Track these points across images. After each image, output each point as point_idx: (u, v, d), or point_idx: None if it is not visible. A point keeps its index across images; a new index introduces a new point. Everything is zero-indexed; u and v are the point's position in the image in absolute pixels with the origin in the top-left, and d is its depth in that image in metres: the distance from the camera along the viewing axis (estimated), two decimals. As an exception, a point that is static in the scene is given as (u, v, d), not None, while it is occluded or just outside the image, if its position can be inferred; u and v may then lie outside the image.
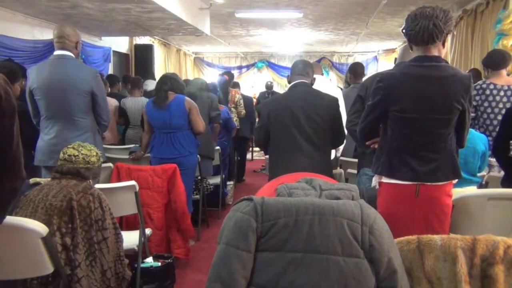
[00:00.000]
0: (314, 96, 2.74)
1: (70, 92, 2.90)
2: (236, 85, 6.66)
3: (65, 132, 2.92)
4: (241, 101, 5.94)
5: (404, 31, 1.91)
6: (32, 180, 2.23)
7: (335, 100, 2.76)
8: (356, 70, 4.36)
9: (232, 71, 10.87)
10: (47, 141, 2.93)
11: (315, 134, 2.66)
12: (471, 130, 2.67)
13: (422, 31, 1.82)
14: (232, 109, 5.74)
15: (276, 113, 2.73)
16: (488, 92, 3.35)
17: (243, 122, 6.13)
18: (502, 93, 3.33)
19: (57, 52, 2.95)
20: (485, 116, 3.36)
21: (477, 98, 3.38)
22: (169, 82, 3.60)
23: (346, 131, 2.92)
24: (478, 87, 3.40)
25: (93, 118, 3.06)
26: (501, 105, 3.31)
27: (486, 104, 3.35)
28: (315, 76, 3.46)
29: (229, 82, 6.06)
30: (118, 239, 2.16)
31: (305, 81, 2.78)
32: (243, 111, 5.96)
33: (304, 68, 2.82)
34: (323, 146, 2.72)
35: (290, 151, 2.67)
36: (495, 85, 3.35)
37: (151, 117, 3.60)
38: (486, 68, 3.53)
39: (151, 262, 2.75)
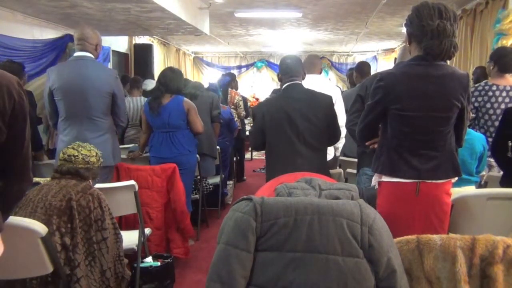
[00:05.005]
0: (309, 96, 2.72)
1: (91, 93, 2.90)
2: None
3: (86, 133, 2.91)
4: (241, 103, 5.95)
5: (424, 46, 1.83)
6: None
7: (329, 98, 2.75)
8: (362, 69, 4.36)
9: (232, 71, 10.84)
10: (68, 142, 2.85)
11: (312, 135, 2.65)
12: (470, 131, 2.66)
13: (444, 52, 1.82)
14: (232, 110, 5.75)
15: (271, 115, 2.70)
16: (490, 93, 3.27)
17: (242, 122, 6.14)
18: (504, 93, 3.25)
19: (77, 54, 2.97)
20: (486, 117, 3.30)
21: (479, 99, 3.30)
22: (168, 84, 3.57)
23: (344, 130, 2.92)
24: (480, 88, 3.32)
25: (111, 119, 3.07)
26: (503, 106, 3.23)
27: (488, 105, 3.28)
28: (314, 75, 3.47)
29: (230, 84, 6.07)
30: (118, 239, 2.16)
31: (297, 81, 2.75)
32: (243, 113, 5.98)
33: (295, 66, 2.76)
34: (320, 146, 2.71)
35: (287, 152, 2.66)
36: (497, 86, 3.27)
37: (150, 117, 3.59)
38: (494, 65, 3.35)
39: (150, 261, 2.76)
